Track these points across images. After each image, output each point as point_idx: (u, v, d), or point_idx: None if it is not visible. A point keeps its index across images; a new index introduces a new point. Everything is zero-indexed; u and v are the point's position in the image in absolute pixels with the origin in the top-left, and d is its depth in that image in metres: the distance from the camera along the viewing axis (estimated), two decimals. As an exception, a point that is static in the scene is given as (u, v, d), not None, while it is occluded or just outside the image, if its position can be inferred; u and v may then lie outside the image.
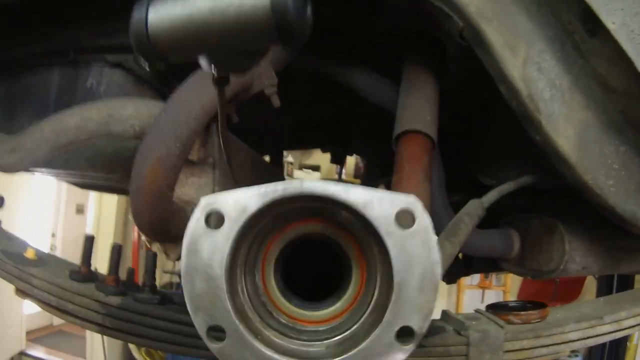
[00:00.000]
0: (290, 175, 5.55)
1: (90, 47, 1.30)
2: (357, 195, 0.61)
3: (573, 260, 1.20)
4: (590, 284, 5.56)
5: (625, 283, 4.76)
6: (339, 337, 0.69)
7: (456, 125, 1.52)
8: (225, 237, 0.62)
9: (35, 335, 7.00)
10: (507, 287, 6.24)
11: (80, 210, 7.50)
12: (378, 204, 0.61)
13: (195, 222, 0.62)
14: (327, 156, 2.56)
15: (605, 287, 4.93)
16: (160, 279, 5.82)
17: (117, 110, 1.06)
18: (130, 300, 1.06)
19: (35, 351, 6.55)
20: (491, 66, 0.91)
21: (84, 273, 1.15)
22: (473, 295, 6.31)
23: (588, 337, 1.16)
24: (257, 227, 0.66)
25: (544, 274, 1.28)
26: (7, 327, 5.88)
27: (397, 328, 0.63)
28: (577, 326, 1.14)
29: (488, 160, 1.46)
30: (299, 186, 0.60)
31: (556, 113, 0.89)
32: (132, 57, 1.30)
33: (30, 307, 6.10)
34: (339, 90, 1.47)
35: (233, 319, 0.62)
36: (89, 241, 1.18)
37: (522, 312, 1.13)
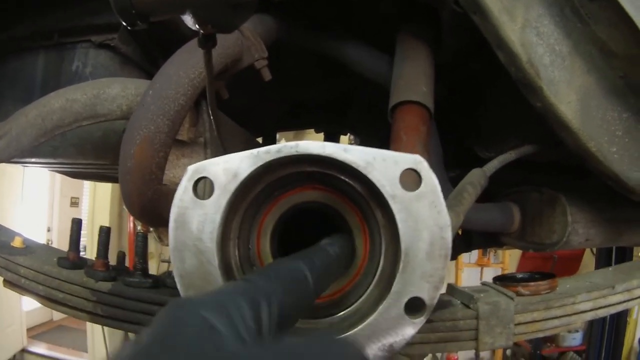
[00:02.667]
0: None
1: (75, 29, 1.26)
2: (357, 156, 0.55)
3: (576, 232, 1.16)
4: (588, 260, 5.57)
5: (624, 257, 4.77)
6: (343, 312, 0.64)
7: (453, 99, 1.47)
8: (215, 206, 0.56)
9: (36, 332, 6.99)
10: (506, 264, 6.24)
11: (75, 203, 7.46)
12: (381, 164, 0.56)
13: (183, 191, 0.57)
14: (321, 137, 2.52)
15: (604, 262, 4.93)
16: (158, 269, 5.79)
17: (103, 90, 1.02)
18: (121, 285, 1.01)
19: (37, 347, 6.54)
20: (489, 32, 0.88)
21: (72, 259, 1.10)
22: (471, 274, 6.31)
23: (600, 307, 1.13)
24: (250, 195, 0.61)
25: (546, 246, 1.24)
26: (8, 325, 5.86)
27: (406, 299, 0.58)
28: (589, 296, 1.11)
29: (486, 133, 1.42)
30: (294, 147, 0.55)
31: (557, 79, 0.86)
32: (118, 37, 1.26)
33: (29, 304, 6.08)
34: (335, 67, 1.43)
35: (227, 295, 0.56)
36: (77, 225, 1.13)
37: (532, 283, 1.09)
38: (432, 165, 1.12)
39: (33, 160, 1.36)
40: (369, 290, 0.64)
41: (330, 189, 0.64)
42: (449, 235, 0.58)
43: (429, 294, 0.58)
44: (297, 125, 2.45)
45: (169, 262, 5.32)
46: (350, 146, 0.55)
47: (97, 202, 5.52)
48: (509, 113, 1.27)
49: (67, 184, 7.15)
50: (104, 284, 1.02)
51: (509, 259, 6.23)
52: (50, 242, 6.90)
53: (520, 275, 1.21)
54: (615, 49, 0.86)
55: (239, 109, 1.38)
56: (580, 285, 1.17)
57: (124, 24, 0.58)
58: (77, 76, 1.26)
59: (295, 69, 1.66)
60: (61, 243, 6.96)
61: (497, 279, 1.15)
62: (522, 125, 1.22)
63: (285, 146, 0.55)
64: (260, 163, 0.55)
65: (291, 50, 1.43)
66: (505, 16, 0.85)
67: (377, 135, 2.06)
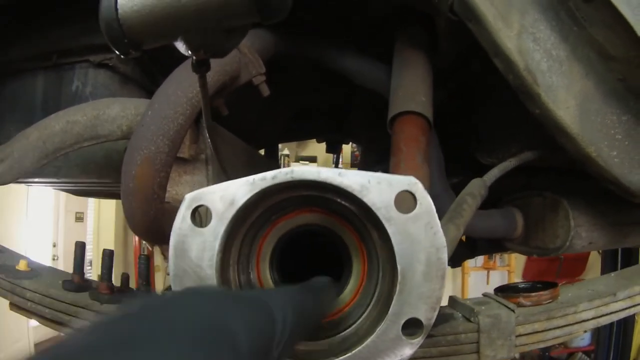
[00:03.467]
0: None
1: (73, 49, 1.27)
2: (352, 180, 0.56)
3: (579, 236, 1.16)
4: (595, 260, 5.54)
5: (630, 257, 4.74)
6: (342, 333, 0.64)
7: (452, 106, 1.48)
8: (213, 234, 0.57)
9: (44, 347, 6.95)
10: (512, 266, 6.22)
11: (79, 218, 7.47)
12: (375, 188, 0.57)
13: (181, 220, 0.58)
14: (323, 147, 2.52)
15: (610, 262, 4.90)
16: (165, 282, 5.80)
17: (103, 111, 1.03)
18: (126, 307, 1.01)
19: (41, 360, 6.51)
20: (485, 39, 0.87)
21: (77, 282, 1.11)
22: (478, 277, 6.29)
23: (602, 316, 1.12)
24: (248, 221, 0.62)
25: (550, 251, 1.24)
26: (15, 341, 5.86)
27: (403, 320, 0.59)
28: (590, 305, 1.10)
29: (487, 138, 1.41)
30: (290, 173, 0.56)
31: (555, 84, 0.85)
32: (116, 56, 1.27)
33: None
34: (334, 78, 1.43)
35: (228, 321, 0.57)
36: (80, 248, 1.14)
37: (533, 294, 1.09)
38: (433, 176, 1.14)
39: (36, 180, 1.37)
40: (367, 311, 0.64)
41: (327, 211, 0.65)
42: (445, 256, 0.59)
43: (426, 315, 0.59)
44: (299, 135, 2.46)
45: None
46: (344, 170, 0.57)
47: (102, 217, 5.53)
48: (509, 118, 1.27)
49: (71, 200, 7.16)
50: (109, 307, 1.02)
51: (515, 262, 6.22)
52: (56, 258, 6.91)
53: (522, 285, 1.20)
54: (613, 52, 0.85)
55: (240, 123, 1.39)
56: (582, 293, 1.17)
57: (117, 52, 0.59)
58: (77, 96, 1.27)
59: (295, 80, 1.67)
60: (67, 258, 6.97)
61: (498, 290, 1.15)
62: (523, 131, 1.22)
63: (280, 172, 0.56)
64: (257, 190, 0.56)
65: (291, 62, 1.44)
66: (501, 23, 0.85)
67: (379, 143, 2.06)
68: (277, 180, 0.56)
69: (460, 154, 1.52)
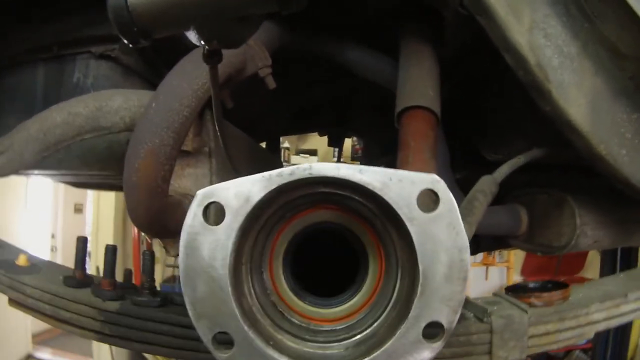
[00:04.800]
0: (288, 161, 5.50)
1: (74, 40, 1.25)
2: (373, 177, 0.54)
3: (584, 234, 1.14)
4: (594, 257, 5.54)
5: (629, 254, 4.74)
6: (359, 336, 0.62)
7: (456, 100, 1.46)
8: (227, 232, 0.55)
9: (42, 338, 6.95)
10: (511, 262, 6.22)
11: (78, 209, 7.44)
12: (397, 186, 0.54)
13: (192, 217, 0.55)
14: (324, 140, 2.52)
15: (609, 259, 4.91)
16: (163, 274, 5.78)
17: (105, 102, 1.00)
18: (129, 304, 0.99)
19: (42, 353, 6.51)
20: (495, 34, 0.85)
21: (79, 278, 1.08)
22: (477, 273, 6.28)
23: (613, 317, 1.11)
24: (261, 218, 0.59)
25: (555, 249, 1.23)
26: (13, 331, 5.84)
27: (424, 324, 0.56)
28: (602, 306, 1.09)
29: (492, 134, 1.40)
30: (308, 169, 0.53)
31: (566, 81, 0.84)
32: (119, 47, 1.24)
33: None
34: (338, 72, 1.41)
35: (241, 324, 0.55)
36: (82, 243, 1.11)
37: (544, 294, 1.07)
38: (440, 172, 1.12)
39: (37, 172, 1.35)
40: (385, 313, 0.62)
41: (344, 209, 0.63)
42: (467, 257, 0.56)
43: (448, 318, 0.57)
44: (300, 129, 2.44)
45: (174, 266, 5.29)
46: (365, 167, 0.54)
47: (102, 208, 5.52)
48: (516, 114, 1.26)
49: (70, 191, 7.12)
50: (111, 304, 1.00)
51: (514, 258, 6.21)
52: (54, 249, 6.88)
53: (532, 285, 1.19)
54: (624, 50, 0.84)
55: (243, 116, 1.37)
56: (593, 294, 1.15)
57: (125, 41, 0.57)
58: (79, 88, 1.25)
59: (300, 73, 1.64)
60: (65, 249, 6.94)
61: (509, 290, 1.13)
62: (529, 127, 1.21)
63: (298, 169, 0.53)
64: (273, 187, 0.54)
65: (295, 55, 1.42)
66: (512, 18, 0.83)
67: (382, 137, 2.04)
68: (294, 177, 0.53)
69: (463, 149, 1.50)
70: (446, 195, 0.55)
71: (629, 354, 5.12)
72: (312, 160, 5.85)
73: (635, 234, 1.25)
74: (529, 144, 1.18)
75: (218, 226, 0.55)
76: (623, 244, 1.38)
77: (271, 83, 1.15)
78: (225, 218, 0.55)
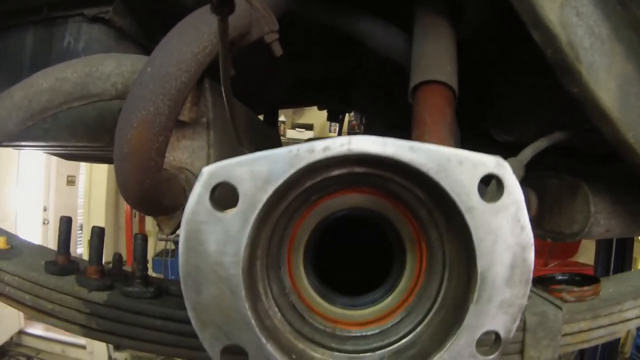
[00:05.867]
0: (283, 135, 5.38)
1: (66, 1, 1.15)
2: (429, 156, 0.42)
3: (597, 222, 1.08)
4: (587, 241, 5.52)
5: (625, 240, 4.72)
6: (396, 344, 0.51)
7: (468, 79, 1.38)
8: (240, 221, 0.43)
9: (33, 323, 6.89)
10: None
11: (71, 181, 7.31)
12: (456, 169, 0.43)
13: (196, 202, 0.44)
14: (320, 114, 2.44)
15: (605, 245, 4.89)
16: (155, 248, 5.67)
17: (95, 67, 0.92)
18: (118, 295, 0.88)
19: (34, 329, 6.44)
20: (524, 10, 0.80)
21: (62, 263, 0.96)
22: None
23: (646, 315, 1.03)
24: (283, 203, 0.48)
25: (566, 236, 1.16)
26: (4, 306, 5.74)
27: (479, 333, 0.46)
28: (635, 303, 1.02)
29: (504, 116, 1.34)
30: (346, 144, 0.42)
31: (597, 63, 0.79)
32: (113, 9, 1.16)
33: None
34: (346, 42, 1.33)
35: (257, 335, 0.44)
36: (66, 224, 0.99)
37: (576, 289, 0.98)
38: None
39: (23, 143, 1.26)
40: (428, 318, 0.51)
41: (381, 193, 0.52)
42: (531, 257, 0.46)
43: (506, 327, 0.47)
44: (300, 102, 2.35)
45: (166, 240, 5.14)
46: (417, 144, 0.43)
47: (94, 180, 5.40)
48: (530, 96, 1.19)
49: (63, 163, 6.95)
50: (98, 294, 0.89)
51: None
52: (46, 222, 6.75)
53: (559, 277, 1.10)
54: None
55: (243, 86, 1.28)
56: (623, 289, 1.08)
57: None
58: (69, 53, 1.18)
59: (302, 43, 1.54)
60: (57, 222, 6.79)
61: (536, 281, 1.05)
62: (544, 110, 1.14)
63: (335, 143, 0.42)
64: (301, 165, 0.42)
65: (298, 23, 1.31)
66: None
67: (384, 114, 1.96)
68: (329, 153, 0.42)
69: (471, 129, 1.42)
70: (512, 182, 0.44)
71: (621, 340, 5.17)
72: (308, 134, 5.68)
73: (644, 224, 1.19)
74: (543, 127, 1.12)
75: (229, 213, 0.43)
76: (632, 234, 1.35)
77: (278, 49, 1.05)
78: (239, 204, 0.43)
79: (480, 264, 0.45)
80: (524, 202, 0.45)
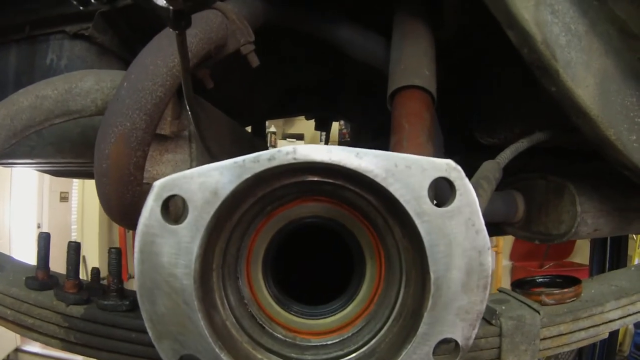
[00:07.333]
0: (274, 146, 5.38)
1: (47, 19, 1.16)
2: (374, 163, 0.43)
3: (585, 222, 1.08)
4: (582, 241, 5.50)
5: (619, 238, 4.71)
6: (355, 353, 0.51)
7: (450, 81, 1.37)
8: (190, 232, 0.44)
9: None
10: (499, 247, 6.15)
11: (64, 197, 7.29)
12: (404, 173, 0.43)
13: (149, 215, 0.44)
14: (310, 124, 2.43)
15: (599, 245, 4.87)
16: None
17: (75, 84, 0.93)
18: (95, 308, 0.88)
19: (31, 346, 6.40)
20: (499, 10, 0.80)
21: (41, 279, 0.97)
22: (464, 258, 6.22)
23: (629, 315, 1.03)
24: (236, 214, 0.48)
25: (554, 237, 1.16)
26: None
27: (436, 341, 0.46)
28: (617, 304, 1.01)
29: (488, 117, 1.32)
30: (291, 153, 0.42)
31: (574, 61, 0.79)
32: (93, 25, 1.16)
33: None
34: (329, 51, 1.32)
35: (211, 345, 0.44)
36: (44, 240, 1.00)
37: (556, 291, 0.98)
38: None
39: (10, 161, 1.27)
40: (386, 327, 0.51)
41: (336, 202, 0.52)
42: (488, 261, 0.46)
43: (464, 334, 0.47)
44: (287, 112, 2.35)
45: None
46: (363, 150, 0.43)
47: (87, 196, 5.39)
48: (514, 97, 1.19)
49: (55, 179, 6.96)
50: (75, 308, 0.89)
51: (503, 243, 6.17)
52: (41, 239, 6.73)
53: (540, 280, 1.10)
54: (636, 30, 0.79)
55: (226, 98, 1.27)
56: (605, 290, 1.07)
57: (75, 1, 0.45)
58: (52, 70, 1.18)
59: (286, 52, 1.54)
60: (52, 240, 6.77)
61: (515, 285, 1.04)
62: (528, 110, 1.14)
63: (280, 152, 0.42)
64: (247, 176, 0.42)
65: (282, 33, 1.32)
66: None
67: (372, 121, 1.96)
68: (275, 163, 0.42)
69: (454, 132, 1.42)
70: (464, 185, 0.44)
71: (619, 338, 5.14)
72: (299, 144, 5.68)
73: (633, 222, 1.19)
74: (528, 127, 1.12)
75: (180, 225, 0.44)
76: (622, 233, 1.34)
77: (254, 60, 1.06)
78: (189, 215, 0.43)
79: (434, 269, 0.45)
80: (478, 205, 0.46)
